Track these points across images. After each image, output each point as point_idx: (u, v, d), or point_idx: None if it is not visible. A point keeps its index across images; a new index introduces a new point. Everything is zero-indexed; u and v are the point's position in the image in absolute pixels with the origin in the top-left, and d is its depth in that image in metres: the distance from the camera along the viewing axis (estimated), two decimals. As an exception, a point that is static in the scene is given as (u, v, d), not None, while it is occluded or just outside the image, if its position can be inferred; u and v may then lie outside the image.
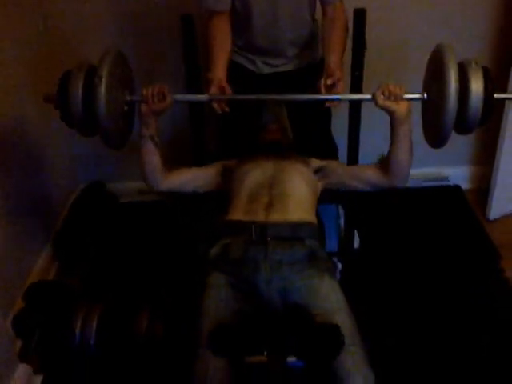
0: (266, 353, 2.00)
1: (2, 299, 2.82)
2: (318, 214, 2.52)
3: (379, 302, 3.12)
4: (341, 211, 3.28)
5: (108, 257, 3.49)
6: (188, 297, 2.33)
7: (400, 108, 2.26)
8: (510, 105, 3.28)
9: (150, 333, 2.52)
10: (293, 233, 2.27)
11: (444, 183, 4.01)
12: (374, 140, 2.97)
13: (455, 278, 3.26)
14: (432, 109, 2.28)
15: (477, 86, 2.12)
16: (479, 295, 3.13)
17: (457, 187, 4.04)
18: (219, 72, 2.61)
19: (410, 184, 3.43)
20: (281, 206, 2.33)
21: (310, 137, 2.94)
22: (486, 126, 2.26)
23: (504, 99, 2.29)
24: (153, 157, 2.45)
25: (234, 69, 2.81)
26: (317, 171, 2.56)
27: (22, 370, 2.74)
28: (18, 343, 2.81)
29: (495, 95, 2.17)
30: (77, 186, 3.92)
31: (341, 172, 2.56)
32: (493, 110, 2.17)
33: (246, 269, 2.20)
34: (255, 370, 2.10)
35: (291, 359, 2.09)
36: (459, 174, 4.00)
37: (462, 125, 2.20)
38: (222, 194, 2.56)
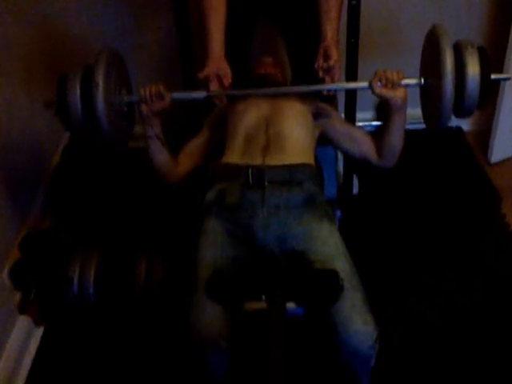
0: (264, 297, 1.97)
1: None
2: (315, 157, 2.48)
3: (379, 249, 3.11)
4: (340, 155, 3.23)
5: (103, 204, 3.46)
6: (185, 243, 2.29)
7: (397, 95, 2.25)
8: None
9: (149, 279, 2.51)
10: (291, 176, 2.23)
11: (445, 125, 3.96)
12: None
13: (456, 223, 3.25)
14: (430, 94, 2.27)
15: (473, 69, 2.11)
16: (480, 239, 3.13)
17: (458, 129, 3.99)
18: (217, 47, 2.51)
19: (409, 127, 3.44)
20: (278, 147, 2.29)
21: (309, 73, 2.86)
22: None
23: (501, 80, 2.27)
24: (162, 155, 2.42)
25: None
26: (316, 116, 2.50)
27: (23, 322, 2.75)
28: (17, 295, 2.79)
29: (492, 76, 2.16)
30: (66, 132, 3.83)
31: (339, 128, 2.52)
32: (491, 91, 2.18)
33: (242, 214, 2.17)
34: (254, 318, 2.08)
35: (290, 306, 2.07)
36: (461, 116, 3.96)
37: (461, 108, 2.19)
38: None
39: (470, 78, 2.11)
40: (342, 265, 2.06)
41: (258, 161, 2.26)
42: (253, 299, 2.04)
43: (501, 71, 3.15)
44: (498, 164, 3.71)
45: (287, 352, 1.87)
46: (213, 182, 2.32)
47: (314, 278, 2.01)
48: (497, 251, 3.06)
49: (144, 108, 2.31)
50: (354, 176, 3.37)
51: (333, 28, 2.50)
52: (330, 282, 1.96)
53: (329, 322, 1.96)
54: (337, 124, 2.53)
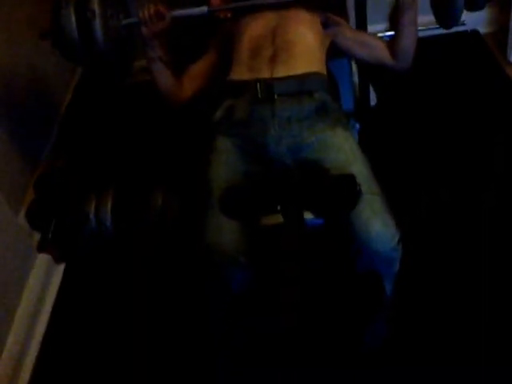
0: (279, 207, 1.95)
1: (12, 193, 2.80)
2: (329, 71, 2.42)
3: (398, 160, 3.06)
4: (354, 66, 3.16)
5: (115, 140, 3.45)
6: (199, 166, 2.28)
7: None
8: None
9: (166, 210, 2.50)
10: (301, 86, 2.18)
11: (461, 29, 3.85)
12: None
13: (478, 126, 3.20)
14: None
15: None
16: (504, 144, 3.07)
17: (475, 32, 3.90)
18: None
19: (425, 33, 3.36)
20: (286, 56, 2.22)
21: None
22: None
23: None
24: (165, 77, 2.39)
25: None
26: (325, 25, 2.43)
27: (42, 261, 2.77)
28: (35, 236, 2.80)
29: None
30: (78, 68, 3.83)
31: (350, 36, 2.46)
32: None
33: (253, 129, 2.14)
34: (271, 232, 2.07)
35: (308, 217, 2.05)
36: (476, 18, 3.82)
37: (472, 1, 2.16)
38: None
39: None
40: (359, 169, 2.02)
41: (265, 74, 2.20)
42: (269, 213, 2.01)
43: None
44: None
45: (307, 264, 1.85)
46: (221, 99, 2.28)
47: (330, 185, 1.98)
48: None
49: (144, 30, 2.27)
50: (371, 88, 3.30)
51: None
52: (348, 187, 1.93)
53: (349, 228, 1.93)
54: (347, 31, 2.47)
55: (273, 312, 2.25)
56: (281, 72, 2.19)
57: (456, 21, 2.22)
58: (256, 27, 2.33)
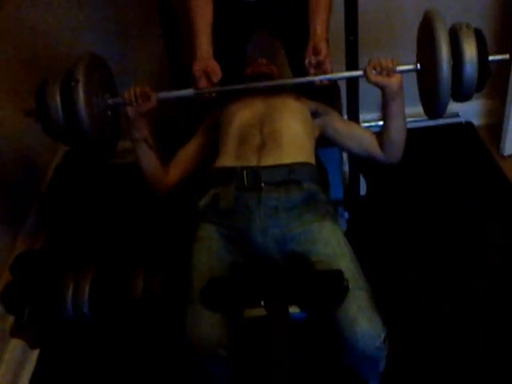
0: (263, 302, 1.92)
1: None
2: (319, 159, 2.45)
3: (388, 249, 3.05)
4: (345, 155, 3.18)
5: (98, 220, 3.41)
6: (182, 253, 2.26)
7: (392, 82, 2.25)
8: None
9: (147, 293, 2.47)
10: (288, 175, 2.18)
11: (455, 120, 3.90)
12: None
13: (471, 220, 3.19)
14: (427, 79, 2.29)
15: (470, 51, 2.14)
16: (496, 234, 3.06)
17: (468, 124, 3.93)
18: (204, 45, 2.47)
19: (418, 124, 3.39)
20: (274, 145, 2.24)
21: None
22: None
23: (499, 61, 2.28)
24: (150, 160, 2.39)
25: None
26: (314, 115, 2.47)
27: (16, 346, 2.72)
28: (10, 319, 2.75)
29: (490, 57, 2.19)
30: (60, 148, 3.81)
31: (339, 127, 2.49)
32: (489, 73, 2.21)
33: (238, 218, 2.13)
34: (256, 324, 2.04)
35: (293, 311, 2.02)
36: (470, 110, 3.88)
37: (459, 92, 2.22)
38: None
39: (468, 59, 2.13)
40: (347, 264, 2.01)
41: (253, 162, 2.21)
42: (252, 306, 1.99)
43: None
44: (511, 157, 3.63)
45: (291, 358, 1.82)
46: (207, 187, 2.27)
47: (317, 280, 1.96)
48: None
49: (130, 110, 2.29)
50: (361, 177, 3.32)
51: (322, 25, 2.45)
52: (335, 283, 1.91)
53: (334, 324, 1.90)
54: (336, 122, 2.50)
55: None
56: (268, 161, 2.20)
57: (442, 111, 2.26)
58: (244, 116, 2.36)
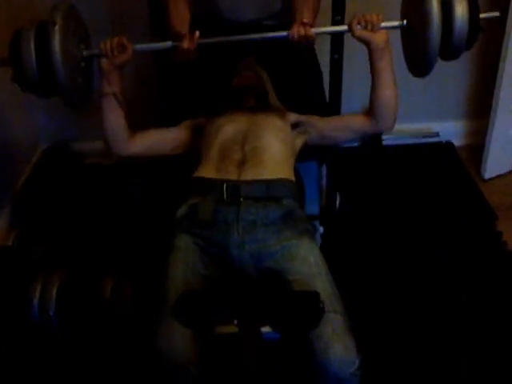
0: (236, 322, 1.90)
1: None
2: (297, 173, 2.45)
3: (363, 268, 3.03)
4: (323, 170, 3.17)
5: (71, 221, 3.38)
6: (155, 262, 2.24)
7: (377, 38, 2.27)
8: (508, 52, 3.17)
9: (116, 299, 2.44)
10: (268, 191, 2.19)
11: (435, 140, 3.92)
12: (357, 92, 2.86)
13: (448, 243, 3.18)
14: (413, 36, 2.27)
15: (461, 6, 2.10)
16: (475, 259, 3.06)
17: (449, 144, 3.95)
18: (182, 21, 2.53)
19: (397, 141, 3.38)
20: (255, 161, 2.25)
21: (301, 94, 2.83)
22: (480, 76, 2.20)
23: (490, 18, 2.25)
24: (117, 117, 2.39)
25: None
26: (295, 126, 2.48)
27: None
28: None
29: (481, 15, 2.16)
30: (38, 146, 3.81)
31: (321, 125, 2.51)
32: (479, 31, 2.16)
33: (216, 231, 2.12)
34: (226, 342, 2.02)
35: (265, 330, 2.00)
36: (451, 130, 3.91)
37: (448, 50, 2.20)
38: (192, 154, 2.47)
39: (458, 15, 2.10)
40: (323, 285, 2.01)
41: (233, 176, 2.21)
42: (225, 323, 1.97)
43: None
44: (492, 180, 3.66)
45: (261, 379, 1.81)
46: (185, 196, 2.27)
47: (292, 301, 1.95)
48: (495, 271, 2.99)
49: (104, 62, 2.30)
50: (337, 193, 3.31)
51: (309, 11, 2.52)
52: (310, 305, 1.90)
53: (307, 347, 1.89)
54: (319, 124, 2.51)
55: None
56: (248, 176, 2.21)
57: (429, 69, 2.25)
58: (228, 131, 2.37)
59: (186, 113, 2.66)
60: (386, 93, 2.34)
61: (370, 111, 2.40)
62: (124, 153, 2.46)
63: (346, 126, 2.49)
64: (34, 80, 2.18)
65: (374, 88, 2.36)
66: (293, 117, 2.51)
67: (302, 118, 2.51)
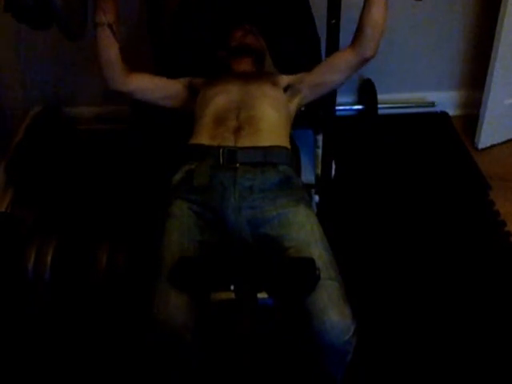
0: (232, 287, 1.91)
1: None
2: (293, 142, 2.45)
3: (358, 236, 3.06)
4: (319, 138, 3.16)
5: (65, 187, 3.36)
6: (151, 228, 2.24)
7: None
8: (504, 21, 3.16)
9: (111, 266, 2.45)
10: (265, 157, 2.19)
11: (430, 110, 3.91)
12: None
13: (441, 211, 3.21)
14: None
15: None
16: (468, 228, 3.08)
17: (444, 114, 3.94)
18: None
19: (392, 111, 3.37)
20: (251, 130, 2.24)
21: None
22: (475, 48, 2.17)
23: None
24: (111, 48, 2.34)
25: None
26: (286, 89, 2.48)
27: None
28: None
29: None
30: (30, 109, 3.76)
31: (310, 77, 2.48)
32: None
33: (212, 196, 2.12)
34: (222, 308, 2.03)
35: (262, 296, 2.02)
36: (446, 100, 3.90)
37: None
38: (186, 117, 2.47)
39: None
40: (319, 252, 2.00)
41: (229, 142, 2.21)
42: (221, 289, 1.98)
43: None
44: (486, 150, 3.66)
45: (256, 345, 1.82)
46: (181, 163, 2.26)
47: (287, 267, 1.95)
48: (487, 242, 3.02)
49: None
50: (333, 161, 3.31)
51: None
52: (306, 271, 1.90)
53: (303, 313, 1.89)
54: (306, 76, 2.49)
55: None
56: (245, 143, 2.21)
57: None
58: (220, 101, 2.36)
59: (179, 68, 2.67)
60: (379, 10, 2.25)
61: (356, 36, 2.33)
62: (120, 87, 2.43)
63: (331, 67, 2.45)
64: (28, 5, 2.08)
65: (366, 5, 2.27)
66: (285, 80, 2.50)
67: (292, 77, 2.50)
